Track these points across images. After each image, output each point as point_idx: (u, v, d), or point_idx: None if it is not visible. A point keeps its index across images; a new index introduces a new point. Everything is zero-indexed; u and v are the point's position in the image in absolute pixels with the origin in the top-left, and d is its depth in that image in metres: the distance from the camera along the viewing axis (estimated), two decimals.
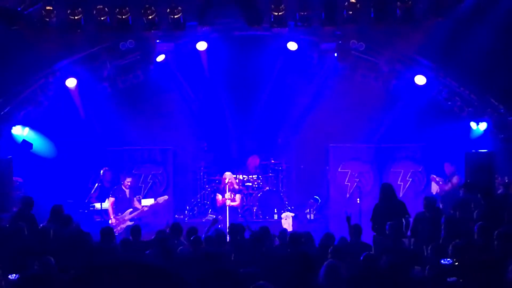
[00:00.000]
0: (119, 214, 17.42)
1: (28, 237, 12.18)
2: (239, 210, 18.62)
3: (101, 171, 18.33)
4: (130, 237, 12.76)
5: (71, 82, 18.31)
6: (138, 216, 17.49)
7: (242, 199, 18.80)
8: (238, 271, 8.21)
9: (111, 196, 17.63)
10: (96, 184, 18.06)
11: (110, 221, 17.20)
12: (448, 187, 17.48)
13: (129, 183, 17.71)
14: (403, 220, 13.89)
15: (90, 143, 19.24)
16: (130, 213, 17.43)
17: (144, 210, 17.64)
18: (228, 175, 18.62)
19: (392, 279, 8.40)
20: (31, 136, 18.42)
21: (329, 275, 8.16)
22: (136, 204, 17.76)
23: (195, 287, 5.61)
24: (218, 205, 18.58)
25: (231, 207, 18.19)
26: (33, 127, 18.57)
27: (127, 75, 19.11)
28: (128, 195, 17.71)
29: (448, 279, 8.58)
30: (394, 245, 11.99)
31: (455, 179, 17.54)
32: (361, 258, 9.58)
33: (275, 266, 8.36)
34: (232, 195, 18.42)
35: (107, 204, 17.69)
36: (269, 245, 12.17)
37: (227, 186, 18.42)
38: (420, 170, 19.00)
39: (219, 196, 18.60)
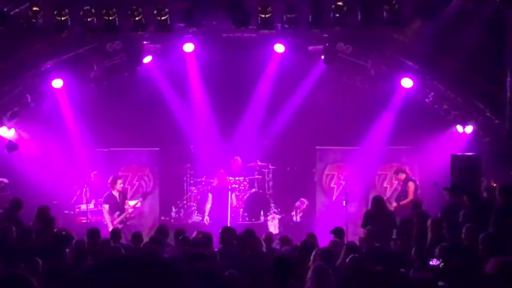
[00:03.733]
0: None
1: (16, 238, 12.13)
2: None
3: (92, 174, 18.27)
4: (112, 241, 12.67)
5: (57, 83, 18.26)
6: (125, 218, 17.34)
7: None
8: (222, 273, 8.18)
9: (104, 204, 17.36)
10: (85, 187, 17.94)
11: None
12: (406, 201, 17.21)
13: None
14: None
15: (76, 144, 19.17)
16: (117, 216, 17.25)
17: (129, 212, 17.45)
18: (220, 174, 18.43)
19: (382, 281, 8.40)
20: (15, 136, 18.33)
21: (318, 278, 8.15)
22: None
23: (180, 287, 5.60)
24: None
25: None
26: (19, 128, 18.49)
27: (113, 76, 19.05)
28: (119, 200, 17.53)
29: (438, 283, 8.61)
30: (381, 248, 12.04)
31: (411, 186, 17.48)
32: (347, 260, 9.57)
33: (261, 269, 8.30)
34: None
35: (92, 206, 17.64)
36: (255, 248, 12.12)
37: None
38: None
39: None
